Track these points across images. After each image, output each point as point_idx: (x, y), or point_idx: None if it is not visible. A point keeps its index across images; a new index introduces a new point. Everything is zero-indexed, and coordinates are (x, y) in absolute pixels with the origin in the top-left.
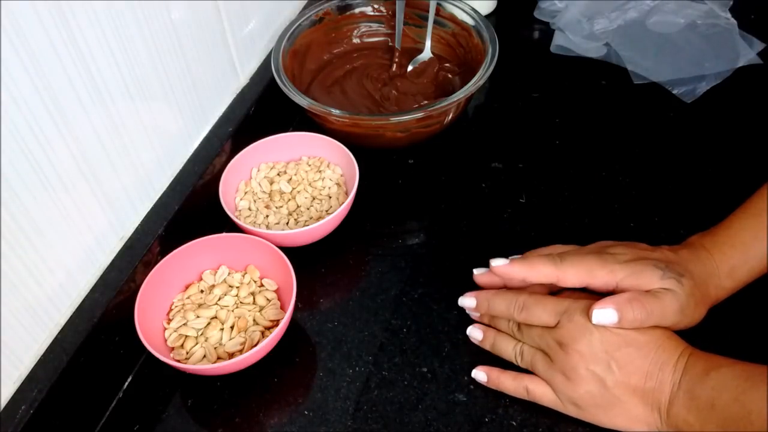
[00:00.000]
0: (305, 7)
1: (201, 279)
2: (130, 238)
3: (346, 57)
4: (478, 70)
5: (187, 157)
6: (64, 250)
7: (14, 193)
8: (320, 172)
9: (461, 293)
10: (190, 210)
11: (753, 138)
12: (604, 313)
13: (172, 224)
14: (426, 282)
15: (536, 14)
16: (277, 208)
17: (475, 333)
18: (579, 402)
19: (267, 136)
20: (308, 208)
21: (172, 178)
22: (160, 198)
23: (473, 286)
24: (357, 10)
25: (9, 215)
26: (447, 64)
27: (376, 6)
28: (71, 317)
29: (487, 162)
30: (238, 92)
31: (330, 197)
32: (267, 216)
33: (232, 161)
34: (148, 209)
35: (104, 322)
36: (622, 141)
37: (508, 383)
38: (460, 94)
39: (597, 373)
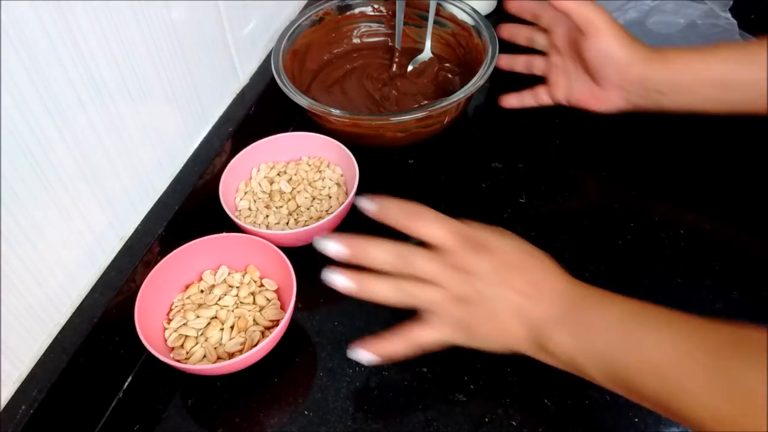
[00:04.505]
0: (305, 7)
1: (201, 279)
2: (130, 238)
3: (346, 57)
4: (478, 70)
5: (187, 157)
6: (64, 250)
7: (14, 193)
8: (320, 172)
9: None
10: (190, 210)
11: (753, 138)
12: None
13: (172, 224)
14: None
15: None
16: (277, 208)
17: (337, 279)
18: (468, 322)
19: (267, 136)
20: (308, 208)
21: (172, 178)
22: (160, 198)
23: None
24: (357, 10)
25: (9, 215)
26: (447, 64)
27: (376, 6)
28: (71, 317)
29: (487, 162)
30: (238, 92)
31: (330, 197)
32: (267, 216)
33: (232, 161)
34: (148, 209)
35: (104, 322)
36: (622, 141)
37: (399, 348)
38: (460, 94)
39: (487, 295)
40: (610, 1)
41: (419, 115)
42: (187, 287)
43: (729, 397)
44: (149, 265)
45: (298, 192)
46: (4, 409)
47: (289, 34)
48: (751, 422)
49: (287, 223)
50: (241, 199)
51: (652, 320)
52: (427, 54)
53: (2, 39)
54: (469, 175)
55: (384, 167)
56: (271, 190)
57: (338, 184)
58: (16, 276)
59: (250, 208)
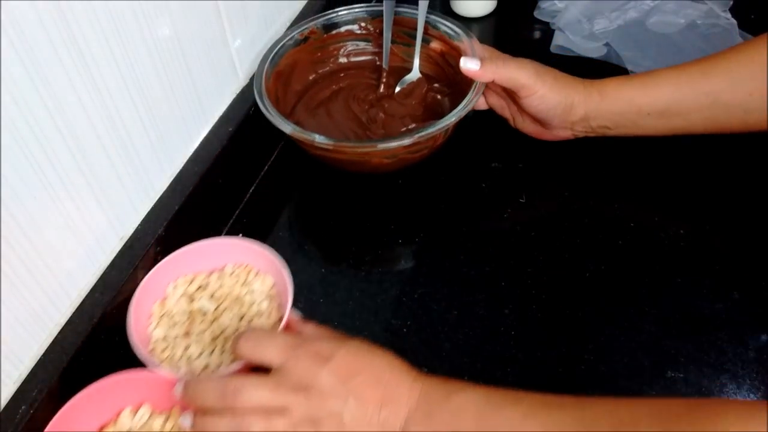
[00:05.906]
0: (290, 27)
1: (117, 420)
2: (130, 238)
3: (332, 77)
4: (467, 90)
5: (188, 157)
6: (64, 250)
7: (14, 193)
8: (247, 284)
9: (461, 293)
10: (191, 210)
11: (753, 138)
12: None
13: (173, 224)
14: (426, 282)
15: (536, 14)
16: (198, 334)
17: (183, 422)
18: None
19: (266, 137)
20: (236, 330)
21: (172, 178)
22: (160, 198)
23: (473, 286)
24: (343, 29)
25: (9, 215)
26: (436, 85)
27: (363, 24)
28: (71, 317)
29: (487, 162)
30: (238, 92)
31: (261, 315)
32: (187, 347)
33: (144, 280)
34: (148, 209)
35: (104, 322)
36: (622, 141)
37: None
38: (448, 120)
39: (334, 410)
40: (610, 1)
41: (406, 142)
42: (101, 428)
43: None
44: (149, 265)
45: (223, 311)
46: (4, 409)
47: (273, 54)
48: None
49: (212, 352)
50: (155, 327)
51: (498, 407)
52: (415, 74)
53: (2, 39)
54: (469, 175)
55: None
56: (191, 310)
57: (269, 298)
58: (16, 276)
59: (165, 338)
